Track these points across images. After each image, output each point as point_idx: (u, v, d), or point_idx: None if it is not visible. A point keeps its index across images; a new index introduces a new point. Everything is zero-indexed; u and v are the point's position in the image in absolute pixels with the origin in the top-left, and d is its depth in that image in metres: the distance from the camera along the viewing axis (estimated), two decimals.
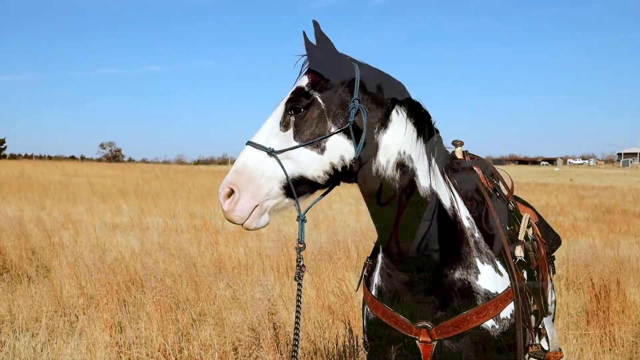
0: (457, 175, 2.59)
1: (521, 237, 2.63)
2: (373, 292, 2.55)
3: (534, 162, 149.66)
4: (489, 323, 2.37)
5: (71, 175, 33.22)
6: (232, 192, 2.13)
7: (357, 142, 2.17)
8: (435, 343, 2.38)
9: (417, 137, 2.27)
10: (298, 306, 2.31)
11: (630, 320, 5.95)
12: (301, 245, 2.23)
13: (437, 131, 2.40)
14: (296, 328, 2.29)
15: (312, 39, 2.26)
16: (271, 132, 2.20)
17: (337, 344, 4.87)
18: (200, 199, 19.97)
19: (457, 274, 2.37)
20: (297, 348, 2.27)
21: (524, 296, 2.49)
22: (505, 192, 2.93)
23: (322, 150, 2.15)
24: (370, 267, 2.65)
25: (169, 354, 4.75)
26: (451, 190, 2.41)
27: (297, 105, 2.18)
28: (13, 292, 6.59)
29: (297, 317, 2.30)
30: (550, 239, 3.30)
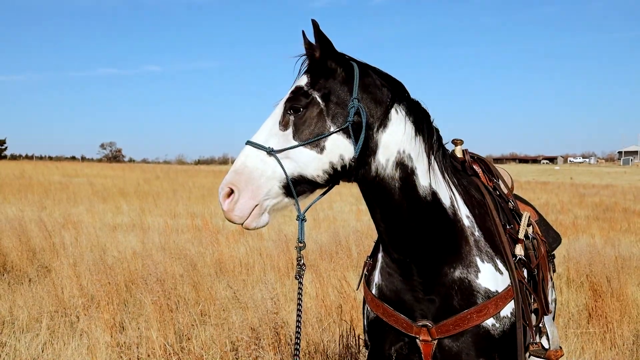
0: (457, 174, 2.59)
1: (521, 235, 2.63)
2: (373, 291, 2.55)
3: (535, 160, 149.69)
4: (490, 322, 2.37)
5: (72, 176, 33.22)
6: (231, 191, 2.13)
7: (356, 141, 2.17)
8: (435, 342, 2.38)
9: (416, 136, 2.28)
10: (299, 304, 2.31)
11: (631, 318, 5.95)
12: (301, 245, 2.24)
13: (437, 130, 2.40)
14: (297, 326, 2.29)
15: (312, 39, 2.26)
16: (270, 132, 2.20)
17: (338, 344, 4.87)
18: (201, 199, 19.99)
19: (457, 273, 2.37)
20: (299, 346, 2.28)
21: (524, 294, 2.49)
22: (505, 191, 2.93)
23: (322, 150, 2.15)
24: (370, 266, 2.65)
25: (170, 354, 4.75)
26: (451, 189, 2.41)
27: (296, 105, 2.18)
28: (14, 292, 6.60)
29: (298, 316, 2.30)
30: (550, 237, 3.30)
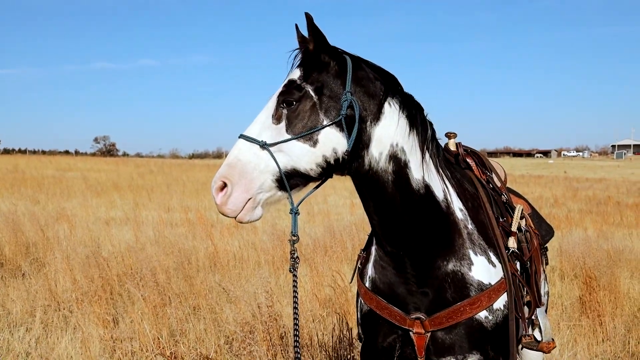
0: (450, 167, 2.60)
1: (514, 228, 2.63)
2: (367, 284, 2.55)
3: (529, 154, 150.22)
4: (483, 314, 2.38)
5: (65, 170, 33.10)
6: (224, 185, 2.13)
7: (349, 134, 2.17)
8: (429, 334, 2.39)
9: (410, 130, 2.27)
10: (295, 297, 2.31)
11: (623, 310, 5.99)
12: (294, 238, 2.24)
13: (430, 123, 2.40)
14: (295, 319, 2.30)
15: (305, 32, 2.25)
16: (264, 125, 2.19)
17: (332, 336, 4.88)
18: (195, 193, 19.95)
19: (451, 266, 2.37)
20: (298, 337, 2.28)
21: (517, 287, 2.50)
22: (498, 184, 2.94)
23: (315, 143, 2.15)
24: (364, 259, 2.65)
25: (164, 348, 4.75)
26: (444, 182, 2.41)
27: (289, 98, 2.18)
28: (7, 286, 6.58)
29: (295, 308, 2.31)
30: (543, 230, 3.32)
